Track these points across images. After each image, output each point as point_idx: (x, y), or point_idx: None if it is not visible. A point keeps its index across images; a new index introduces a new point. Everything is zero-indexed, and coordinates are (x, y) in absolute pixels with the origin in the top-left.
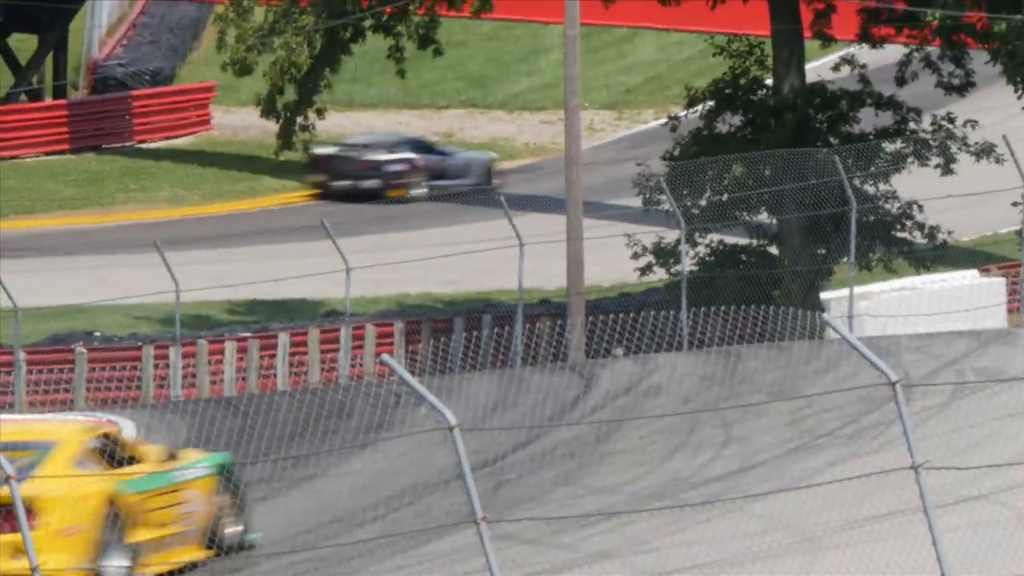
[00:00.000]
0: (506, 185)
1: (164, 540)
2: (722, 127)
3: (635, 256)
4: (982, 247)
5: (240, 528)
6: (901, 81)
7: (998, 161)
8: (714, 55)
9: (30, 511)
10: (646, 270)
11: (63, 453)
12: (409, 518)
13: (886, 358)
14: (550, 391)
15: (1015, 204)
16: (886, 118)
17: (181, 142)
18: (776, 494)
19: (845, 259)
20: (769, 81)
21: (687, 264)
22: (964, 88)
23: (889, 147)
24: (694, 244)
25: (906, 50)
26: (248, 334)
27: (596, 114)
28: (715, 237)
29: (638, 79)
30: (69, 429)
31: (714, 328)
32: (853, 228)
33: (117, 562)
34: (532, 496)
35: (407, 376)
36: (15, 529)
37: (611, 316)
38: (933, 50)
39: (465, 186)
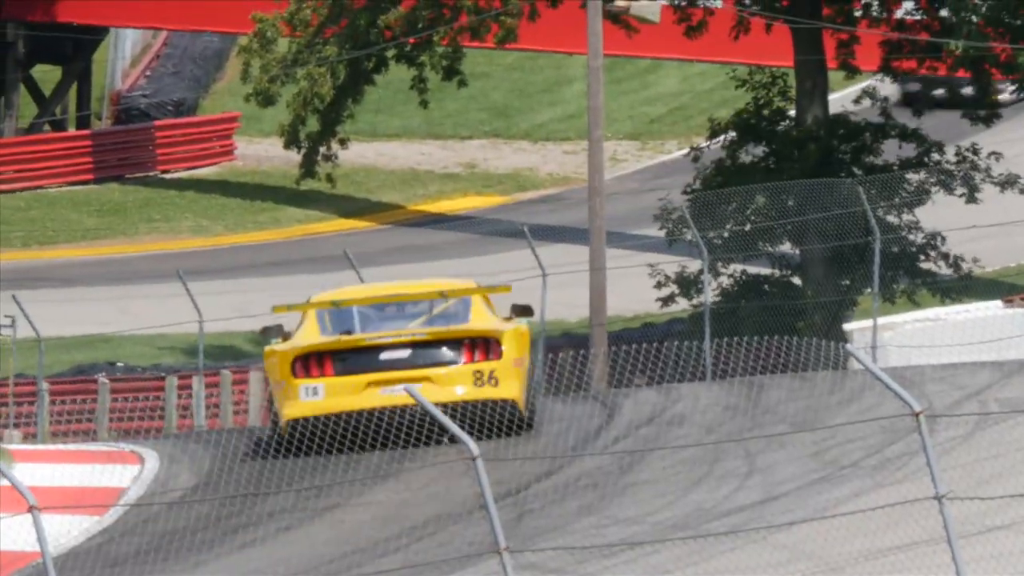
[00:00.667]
0: (530, 215)
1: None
2: (745, 158)
3: (658, 286)
4: (1005, 278)
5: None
6: (918, 112)
7: (1023, 192)
8: (736, 88)
9: (495, 343)
10: (668, 300)
11: (479, 299)
12: (432, 548)
13: (910, 388)
14: (573, 421)
15: None
16: (909, 149)
17: (204, 172)
18: (799, 524)
19: (869, 290)
20: (792, 112)
21: (710, 294)
22: (990, 119)
23: (913, 178)
24: (717, 274)
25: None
26: None
27: (619, 144)
28: (738, 267)
29: (661, 110)
30: (469, 284)
31: (737, 358)
32: (877, 259)
33: (532, 394)
34: (555, 526)
35: (430, 406)
36: (479, 358)
37: (634, 346)
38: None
39: None
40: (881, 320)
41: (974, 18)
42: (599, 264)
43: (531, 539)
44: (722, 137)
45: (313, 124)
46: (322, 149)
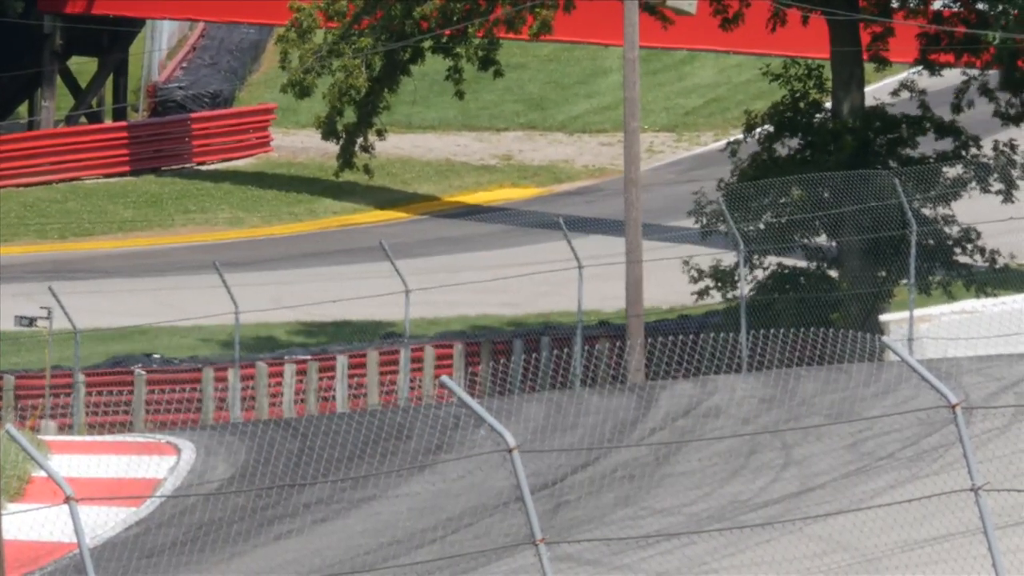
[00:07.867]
0: (565, 206)
1: None
2: (781, 150)
3: (692, 280)
4: None
5: None
6: (957, 108)
7: None
8: (770, 82)
9: None
10: (703, 294)
11: None
12: (468, 540)
13: (946, 380)
14: (609, 413)
15: None
16: (945, 142)
17: (240, 164)
18: (835, 516)
19: (905, 282)
20: (828, 104)
21: (746, 286)
22: (1021, 118)
23: (950, 172)
24: (752, 267)
25: (964, 77)
26: (307, 356)
27: (656, 136)
28: (774, 260)
29: (697, 101)
30: None
31: (773, 350)
32: (913, 250)
33: None
34: (591, 517)
35: (466, 397)
36: None
37: (670, 338)
38: (993, 75)
39: None
40: (918, 312)
41: (1011, 10)
42: (636, 256)
43: (567, 530)
44: (757, 131)
45: (350, 115)
46: (359, 140)
